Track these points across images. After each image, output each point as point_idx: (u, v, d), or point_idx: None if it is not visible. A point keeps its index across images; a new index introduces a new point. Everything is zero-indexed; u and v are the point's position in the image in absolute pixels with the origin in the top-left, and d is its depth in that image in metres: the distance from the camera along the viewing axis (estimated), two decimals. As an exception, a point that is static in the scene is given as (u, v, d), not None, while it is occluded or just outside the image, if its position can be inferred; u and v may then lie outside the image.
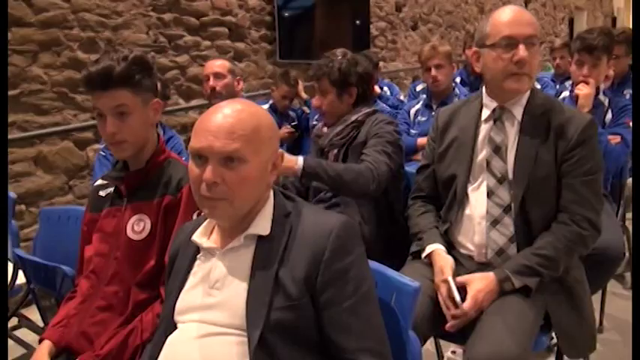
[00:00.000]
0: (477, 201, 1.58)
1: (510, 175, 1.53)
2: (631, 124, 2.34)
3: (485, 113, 1.61)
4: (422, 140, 2.78)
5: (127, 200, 1.50)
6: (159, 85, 2.76)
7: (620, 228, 2.13)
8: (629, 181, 2.75)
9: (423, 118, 2.92)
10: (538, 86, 3.71)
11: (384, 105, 3.49)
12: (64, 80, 3.30)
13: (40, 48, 3.18)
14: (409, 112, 3.03)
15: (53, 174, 3.31)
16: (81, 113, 3.41)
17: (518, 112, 1.56)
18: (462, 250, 1.61)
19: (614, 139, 2.32)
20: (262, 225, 1.07)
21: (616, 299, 2.66)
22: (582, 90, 2.34)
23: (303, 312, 1.01)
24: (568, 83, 4.14)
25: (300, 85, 3.92)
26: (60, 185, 3.35)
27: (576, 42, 2.44)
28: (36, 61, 3.18)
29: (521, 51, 1.45)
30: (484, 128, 1.61)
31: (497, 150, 1.58)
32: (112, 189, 1.56)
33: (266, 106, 3.33)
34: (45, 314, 2.04)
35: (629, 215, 2.96)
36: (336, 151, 2.05)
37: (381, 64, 6.28)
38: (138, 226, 1.47)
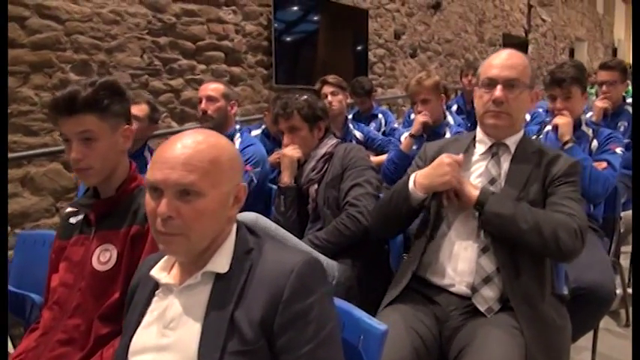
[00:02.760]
0: (466, 228, 1.53)
1: None
2: (618, 149, 2.30)
3: (480, 149, 1.62)
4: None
5: (95, 229, 1.45)
6: (148, 108, 2.76)
7: (610, 266, 2.06)
8: (626, 214, 2.71)
9: (414, 147, 2.88)
10: (527, 117, 3.68)
11: (376, 133, 3.45)
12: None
13: (32, 69, 3.18)
14: (400, 139, 2.99)
15: (40, 195, 3.27)
16: (71, 135, 3.39)
17: (512, 148, 1.60)
18: (441, 281, 1.54)
19: (601, 165, 2.27)
20: (221, 262, 1.02)
21: (610, 337, 2.58)
22: (561, 119, 2.31)
23: (259, 357, 0.94)
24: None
25: None
26: (46, 207, 3.31)
27: (547, 77, 2.43)
28: (27, 82, 3.17)
29: (497, 91, 1.50)
30: (477, 162, 1.61)
31: (493, 182, 1.58)
32: (82, 216, 1.51)
33: (259, 131, 3.30)
34: (15, 343, 1.97)
35: (625, 249, 2.91)
36: (316, 186, 2.01)
37: (379, 90, 6.31)
38: (104, 257, 1.41)
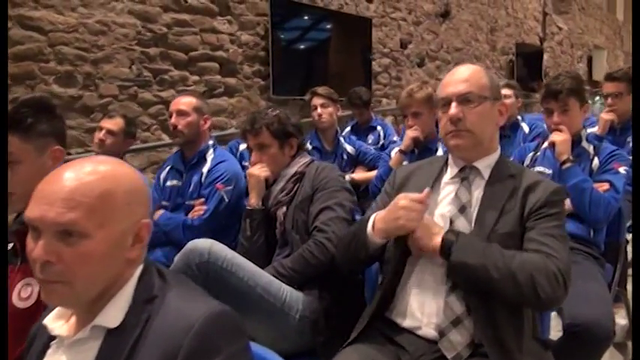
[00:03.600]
0: (434, 263, 1.37)
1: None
2: (621, 169, 2.10)
3: (452, 172, 1.48)
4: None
5: (20, 259, 1.31)
6: (122, 122, 2.65)
7: (609, 301, 1.86)
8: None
9: (404, 164, 2.71)
10: (526, 128, 3.47)
11: (368, 147, 3.29)
12: (36, 114, 3.19)
13: (13, 81, 3.09)
14: (391, 154, 2.81)
15: (20, 211, 3.17)
16: (54, 148, 3.29)
17: (486, 173, 1.44)
18: (408, 323, 1.37)
19: (602, 187, 2.07)
20: (113, 314, 0.87)
21: (616, 373, 2.36)
22: (558, 137, 2.12)
23: None
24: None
25: None
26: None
27: (542, 90, 2.24)
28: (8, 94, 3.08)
29: (452, 109, 1.39)
30: (447, 188, 1.47)
31: (463, 210, 1.42)
32: (12, 244, 1.38)
33: (244, 146, 3.16)
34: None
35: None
36: (284, 208, 1.86)
37: (384, 100, 6.15)
38: (25, 292, 1.27)
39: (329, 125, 3.11)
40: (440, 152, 2.61)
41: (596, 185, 2.07)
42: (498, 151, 1.47)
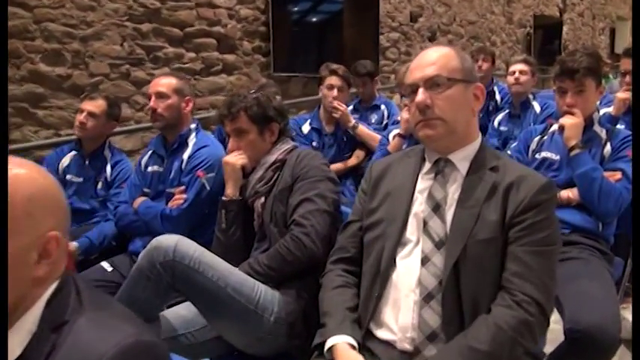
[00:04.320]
0: (408, 269, 1.24)
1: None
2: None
3: (427, 165, 1.34)
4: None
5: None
6: (105, 104, 2.52)
7: (616, 303, 1.70)
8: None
9: (404, 147, 2.54)
10: (537, 108, 3.25)
11: (369, 128, 3.10)
12: (23, 95, 3.08)
13: (-3, 60, 2.97)
14: (389, 137, 2.65)
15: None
16: (43, 130, 3.19)
17: (463, 166, 1.29)
18: (384, 335, 1.24)
19: (614, 176, 1.89)
20: (12, 344, 0.74)
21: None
22: (568, 120, 1.94)
23: None
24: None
25: None
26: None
27: (556, 67, 2.04)
28: (-9, 75, 2.97)
29: (419, 95, 1.24)
30: (423, 183, 1.32)
31: (437, 208, 1.27)
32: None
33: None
34: None
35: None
36: (263, 199, 1.72)
37: (392, 77, 5.92)
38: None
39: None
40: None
41: (606, 174, 1.89)
42: (479, 140, 1.32)
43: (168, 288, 1.49)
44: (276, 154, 1.76)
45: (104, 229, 2.32)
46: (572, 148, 1.94)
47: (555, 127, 2.07)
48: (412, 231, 1.28)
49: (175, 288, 1.50)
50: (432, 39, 6.41)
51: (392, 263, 1.27)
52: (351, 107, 3.85)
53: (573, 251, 1.83)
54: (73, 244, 2.21)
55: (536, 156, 2.09)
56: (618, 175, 1.89)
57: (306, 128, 2.95)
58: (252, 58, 4.40)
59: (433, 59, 1.25)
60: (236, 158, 1.75)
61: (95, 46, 3.38)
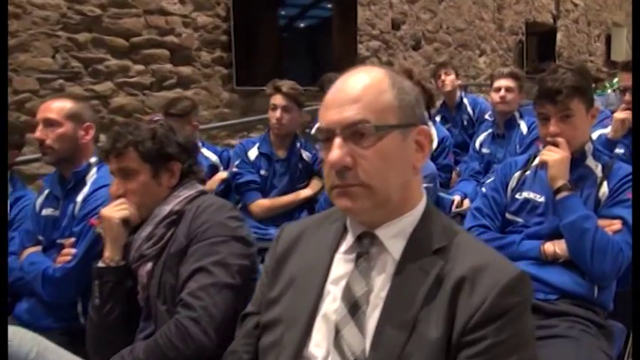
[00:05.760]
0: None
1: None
2: None
3: (349, 240, 0.93)
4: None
5: None
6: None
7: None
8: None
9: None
10: (524, 128, 2.83)
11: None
12: None
13: None
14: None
15: None
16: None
17: (396, 246, 0.89)
18: None
19: (612, 226, 1.49)
20: None
21: None
22: (550, 155, 1.54)
23: None
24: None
25: None
26: None
27: (534, 88, 1.64)
28: None
29: (333, 150, 0.84)
30: (341, 268, 0.92)
31: (355, 310, 0.86)
32: None
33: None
34: None
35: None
36: (150, 265, 1.30)
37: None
38: None
39: (287, 132, 2.51)
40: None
41: (602, 223, 1.49)
42: (421, 206, 0.91)
43: None
44: (172, 204, 1.34)
45: None
46: (557, 190, 1.53)
47: (537, 161, 1.66)
48: (319, 341, 0.87)
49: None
50: (417, 47, 6.01)
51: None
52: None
53: (561, 326, 1.41)
54: None
55: (517, 196, 1.68)
56: (617, 224, 1.48)
57: (253, 154, 2.52)
58: (213, 70, 3.99)
59: (356, 92, 0.85)
60: (115, 209, 1.33)
61: (20, 58, 2.96)
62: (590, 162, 1.62)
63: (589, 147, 1.63)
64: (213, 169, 2.77)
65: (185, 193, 1.37)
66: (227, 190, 2.67)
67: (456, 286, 0.82)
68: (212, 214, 1.29)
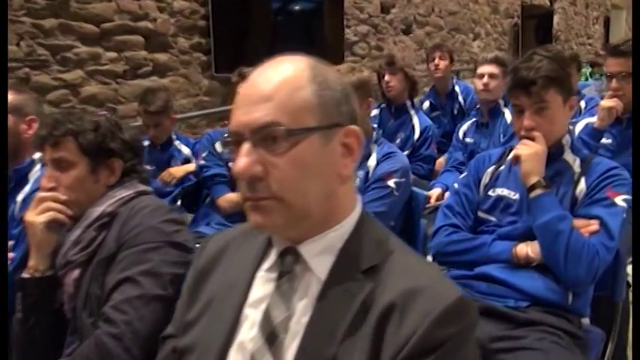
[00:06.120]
0: None
1: None
2: (619, 199, 1.38)
3: (272, 259, 0.82)
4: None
5: None
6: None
7: None
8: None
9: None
10: (509, 117, 2.69)
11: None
12: None
13: None
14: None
15: None
16: None
17: (321, 264, 0.77)
18: None
19: (589, 227, 1.37)
20: None
21: None
22: (524, 149, 1.42)
23: None
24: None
25: None
26: None
27: (508, 77, 1.52)
28: None
29: (241, 156, 0.72)
30: (261, 289, 0.81)
31: (273, 340, 0.76)
32: None
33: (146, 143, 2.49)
34: None
35: None
36: (77, 273, 1.19)
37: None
38: None
39: None
40: (372, 160, 1.90)
41: (579, 224, 1.37)
42: (353, 217, 0.79)
43: None
44: (104, 205, 1.22)
45: None
46: (531, 188, 1.41)
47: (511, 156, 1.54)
48: None
49: None
50: (407, 32, 5.85)
51: None
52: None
53: (530, 337, 1.30)
54: None
55: (490, 193, 1.56)
56: (594, 225, 1.36)
57: (220, 146, 2.40)
58: (191, 57, 3.85)
59: (268, 89, 0.72)
60: (39, 212, 1.21)
61: (-19, 46, 2.82)
62: (568, 156, 1.49)
63: (567, 140, 1.51)
64: (187, 163, 2.66)
65: (122, 193, 1.25)
66: (198, 184, 2.55)
67: (384, 313, 0.70)
68: (145, 217, 1.17)
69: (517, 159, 1.45)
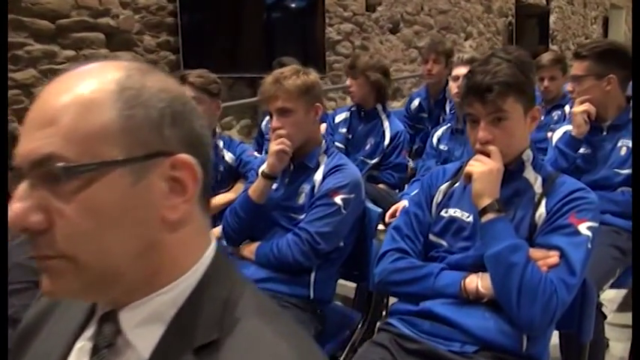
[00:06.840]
0: None
1: None
2: (583, 226, 1.18)
3: (93, 325, 0.62)
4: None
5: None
6: None
7: None
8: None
9: (275, 189, 1.78)
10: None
11: (252, 154, 2.35)
12: None
13: None
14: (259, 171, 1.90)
15: None
16: None
17: (145, 338, 0.57)
18: None
19: (547, 260, 1.17)
20: None
21: None
22: (477, 166, 1.24)
23: None
24: (557, 113, 2.99)
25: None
26: None
27: (462, 84, 1.32)
28: None
29: (14, 200, 0.53)
30: None
31: None
32: None
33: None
34: None
35: None
36: None
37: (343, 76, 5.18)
38: None
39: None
40: (319, 175, 1.70)
41: (536, 255, 1.17)
42: (195, 272, 0.59)
43: None
44: None
45: None
46: (483, 211, 1.22)
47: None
48: None
49: None
50: (395, 31, 5.64)
51: None
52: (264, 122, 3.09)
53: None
54: None
55: (442, 213, 1.37)
56: (554, 258, 1.16)
57: None
58: (158, 56, 3.65)
59: (53, 109, 0.52)
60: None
61: None
62: (529, 174, 1.30)
63: (528, 155, 1.31)
64: None
65: None
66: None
67: None
68: (10, 253, 0.98)
69: (469, 177, 1.25)
